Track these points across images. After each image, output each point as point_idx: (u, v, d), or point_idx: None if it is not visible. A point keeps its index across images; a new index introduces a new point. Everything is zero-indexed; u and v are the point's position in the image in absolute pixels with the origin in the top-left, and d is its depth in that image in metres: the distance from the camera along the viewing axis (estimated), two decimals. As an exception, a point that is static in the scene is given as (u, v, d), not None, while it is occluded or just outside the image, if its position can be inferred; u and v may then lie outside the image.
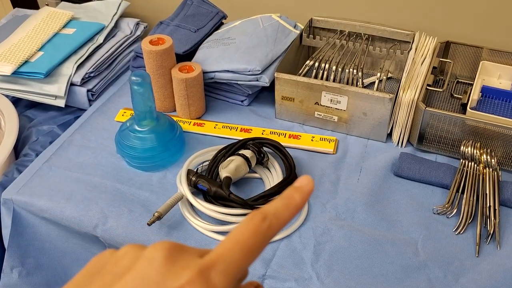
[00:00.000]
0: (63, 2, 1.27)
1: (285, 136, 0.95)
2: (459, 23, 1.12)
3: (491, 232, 0.77)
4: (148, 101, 0.84)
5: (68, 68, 1.03)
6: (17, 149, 0.98)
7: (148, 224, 0.75)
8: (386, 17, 1.16)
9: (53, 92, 1.01)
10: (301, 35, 1.05)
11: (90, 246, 0.84)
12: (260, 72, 0.95)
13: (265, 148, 0.88)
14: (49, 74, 1.02)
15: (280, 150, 0.87)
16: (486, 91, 0.96)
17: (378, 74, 0.95)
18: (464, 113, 0.90)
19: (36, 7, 1.41)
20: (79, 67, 1.04)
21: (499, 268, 0.73)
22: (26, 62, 1.02)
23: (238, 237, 0.28)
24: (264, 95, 1.05)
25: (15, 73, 1.00)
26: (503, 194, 0.81)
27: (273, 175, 0.85)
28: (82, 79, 1.03)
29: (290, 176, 0.83)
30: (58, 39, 1.10)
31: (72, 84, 1.03)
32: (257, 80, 0.96)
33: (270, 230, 0.28)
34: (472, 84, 0.95)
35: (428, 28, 1.10)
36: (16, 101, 1.05)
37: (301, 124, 0.98)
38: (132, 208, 0.81)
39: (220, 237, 0.77)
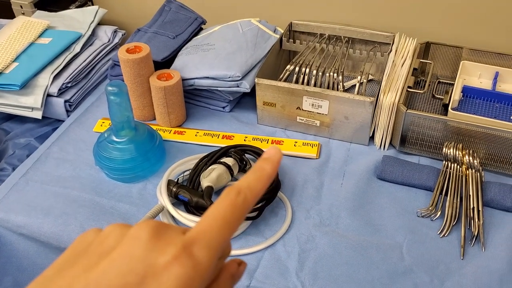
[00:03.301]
0: (38, 11, 1.24)
1: (267, 142, 0.93)
2: (438, 23, 1.12)
3: (476, 234, 0.76)
4: (126, 111, 0.82)
5: (44, 79, 1.01)
6: (-7, 163, 0.96)
7: (128, 237, 0.73)
8: (366, 19, 1.16)
9: (29, 104, 0.99)
10: (281, 39, 1.04)
11: (70, 261, 0.82)
12: (240, 78, 0.93)
13: (247, 155, 0.86)
14: (25, 86, 0.99)
15: (262, 157, 0.86)
16: (467, 91, 0.96)
17: (359, 77, 0.94)
18: (446, 114, 0.90)
19: (11, 16, 1.38)
20: (55, 77, 1.02)
21: (484, 270, 0.72)
22: (0, 73, 1.00)
23: (216, 213, 0.29)
24: (245, 100, 1.04)
25: (-11, 85, 0.98)
26: (487, 194, 0.80)
27: (256, 183, 0.84)
28: (59, 89, 1.01)
29: (273, 183, 0.82)
30: (34, 49, 1.07)
31: (48, 95, 1.01)
32: (238, 86, 0.95)
33: (246, 203, 0.30)
34: (453, 84, 0.95)
35: (408, 29, 1.10)
36: (-9, 114, 1.03)
37: (284, 129, 0.97)
38: (112, 221, 0.80)
39: (203, 248, 0.75)
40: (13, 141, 0.98)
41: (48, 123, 1.03)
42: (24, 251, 0.83)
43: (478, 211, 0.78)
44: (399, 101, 0.87)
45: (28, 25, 1.13)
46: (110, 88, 0.79)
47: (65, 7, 1.29)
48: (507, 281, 0.70)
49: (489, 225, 0.78)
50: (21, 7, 1.32)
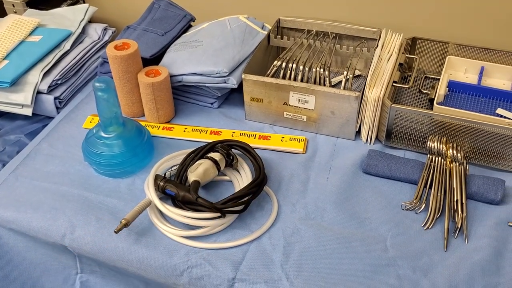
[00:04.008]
0: (29, 9, 1.25)
1: (255, 138, 0.94)
2: (425, 19, 1.13)
3: (459, 226, 0.77)
4: (113, 106, 0.83)
5: (34, 76, 1.02)
6: (-16, 160, 0.97)
7: (115, 231, 0.74)
8: (353, 15, 1.17)
9: (19, 101, 0.99)
10: (268, 35, 1.05)
11: (59, 255, 0.83)
12: (227, 74, 0.94)
13: (234, 150, 0.87)
14: (15, 83, 1.00)
15: (249, 152, 0.87)
16: (453, 86, 0.97)
17: (345, 73, 0.95)
18: (432, 108, 0.91)
19: (2, 14, 1.38)
20: (45, 74, 1.03)
21: (467, 262, 0.73)
22: (-10, 71, 1.01)
23: None
24: (233, 96, 1.05)
25: (-21, 83, 0.98)
26: (470, 187, 0.81)
27: (243, 177, 0.85)
28: (49, 86, 1.02)
29: (259, 177, 0.82)
30: (24, 47, 1.08)
31: (39, 92, 1.01)
32: (225, 82, 0.95)
33: None
34: (439, 79, 0.96)
35: (395, 25, 1.11)
36: (-18, 111, 1.04)
37: (271, 125, 0.98)
38: (100, 216, 0.81)
39: (189, 242, 0.76)
40: (3, 138, 0.99)
41: (38, 120, 1.04)
42: (13, 246, 0.84)
43: (462, 203, 0.79)
44: (384, 95, 0.88)
45: (18, 23, 1.13)
46: (97, 84, 0.80)
47: (57, 5, 1.30)
48: (489, 272, 0.71)
49: (473, 217, 0.79)
50: (13, 5, 1.33)
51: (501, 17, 1.07)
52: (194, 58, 0.97)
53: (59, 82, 1.04)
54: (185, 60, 0.97)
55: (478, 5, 1.07)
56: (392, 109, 0.86)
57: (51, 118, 1.03)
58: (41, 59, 1.05)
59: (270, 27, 1.08)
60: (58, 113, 1.03)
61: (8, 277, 0.86)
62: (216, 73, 0.94)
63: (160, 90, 0.93)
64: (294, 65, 0.96)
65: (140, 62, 0.94)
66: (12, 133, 1.00)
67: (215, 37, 1.02)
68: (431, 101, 0.96)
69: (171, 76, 0.96)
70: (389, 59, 0.96)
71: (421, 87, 1.02)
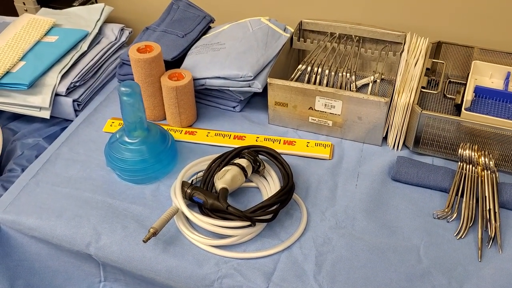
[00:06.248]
0: (43, 8, 1.23)
1: (279, 143, 0.93)
2: (449, 22, 1.11)
3: (492, 236, 0.76)
4: (138, 111, 0.81)
5: (52, 78, 1.00)
6: (1, 164, 0.94)
7: (143, 241, 0.72)
8: (376, 18, 1.15)
9: (37, 103, 0.97)
10: (291, 38, 1.03)
11: (83, 264, 0.81)
12: (252, 78, 0.92)
13: (261, 156, 0.86)
14: (33, 85, 0.98)
15: (276, 158, 0.85)
16: (479, 91, 0.95)
17: (372, 77, 0.93)
18: (459, 114, 0.89)
19: (14, 13, 1.36)
20: (63, 76, 1.01)
21: (503, 273, 0.72)
22: (7, 73, 0.98)
23: None
24: (255, 100, 1.03)
25: (-3, 84, 0.96)
26: (502, 196, 0.80)
27: (270, 184, 0.83)
28: (67, 88, 0.99)
29: (288, 184, 0.81)
30: (41, 48, 1.06)
31: (57, 95, 0.99)
32: (250, 86, 0.94)
33: None
34: (464, 84, 0.95)
35: (418, 28, 1.09)
36: (-2, 114, 1.02)
37: (295, 130, 0.96)
38: (126, 224, 0.79)
39: (219, 251, 0.75)
40: (21, 141, 0.97)
41: (56, 122, 1.02)
42: (35, 253, 0.82)
43: (495, 212, 0.78)
44: (413, 101, 0.86)
45: (33, 23, 1.11)
46: (123, 88, 0.78)
47: (69, 4, 1.27)
48: (525, 284, 0.70)
49: (506, 226, 0.78)
50: (24, 3, 1.30)
51: (527, 22, 1.05)
52: (217, 61, 0.95)
53: (77, 84, 1.01)
54: (208, 63, 0.95)
55: (503, 9, 1.05)
56: (422, 115, 0.85)
57: (69, 121, 1.01)
58: (58, 60, 1.03)
59: (291, 30, 1.06)
60: (76, 116, 1.01)
61: (31, 286, 0.84)
62: (241, 77, 0.92)
63: (183, 94, 0.91)
64: (320, 69, 0.94)
65: (163, 65, 0.92)
66: (30, 136, 0.98)
67: (238, 39, 1.00)
68: (457, 106, 0.95)
69: (194, 79, 0.94)
70: (416, 63, 0.95)
71: (446, 92, 1.00)
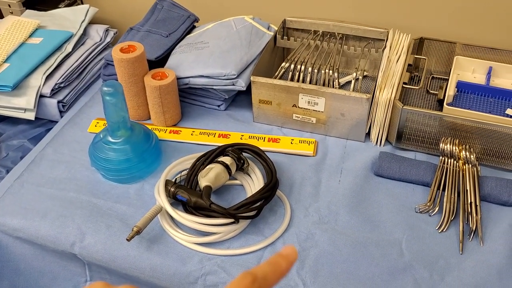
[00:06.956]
0: (28, 10, 1.23)
1: (264, 140, 0.93)
2: (431, 19, 1.12)
3: (474, 229, 0.77)
4: (121, 111, 0.82)
5: (37, 80, 1.00)
6: (-14, 166, 0.94)
7: (127, 239, 0.73)
8: (359, 15, 1.16)
9: (22, 105, 0.97)
10: (275, 36, 1.04)
11: (68, 264, 0.82)
12: (235, 76, 0.93)
13: (244, 154, 0.86)
14: (17, 87, 0.98)
15: (260, 155, 0.86)
16: (462, 86, 0.96)
17: (354, 74, 0.94)
18: (441, 109, 0.90)
19: (-1, 16, 1.36)
20: (48, 77, 1.01)
21: (483, 265, 0.73)
22: (-9, 75, 0.98)
23: None
24: (240, 98, 1.03)
25: (-20, 87, 0.96)
26: (483, 189, 0.81)
27: (254, 181, 0.84)
28: (52, 90, 0.99)
29: (272, 181, 0.81)
30: (25, 49, 1.06)
31: (41, 96, 0.99)
32: (233, 85, 0.94)
33: None
34: (447, 79, 0.95)
35: (401, 25, 1.10)
36: (-18, 116, 1.01)
37: (280, 127, 0.97)
38: (110, 223, 0.79)
39: (203, 249, 0.75)
40: (6, 143, 0.97)
41: (41, 124, 1.02)
42: (20, 254, 0.82)
43: (476, 205, 0.79)
44: (395, 97, 0.87)
45: (18, 25, 1.11)
46: (105, 88, 0.79)
47: (54, 6, 1.27)
48: (506, 275, 0.71)
49: (487, 219, 0.79)
50: (9, 6, 1.30)
51: (509, 17, 1.06)
52: (201, 60, 0.95)
53: (62, 85, 1.02)
54: (192, 63, 0.95)
55: (485, 5, 1.06)
56: (404, 111, 0.85)
57: (54, 122, 1.01)
58: (42, 62, 1.03)
59: (275, 28, 1.06)
60: (61, 117, 1.01)
61: (16, 286, 0.84)
62: (224, 76, 0.92)
63: (167, 93, 0.91)
64: (303, 67, 0.95)
65: (146, 64, 0.92)
66: (14, 138, 0.98)
67: (221, 38, 1.00)
68: (440, 101, 0.96)
69: (178, 78, 0.94)
70: (397, 60, 0.96)
71: (429, 88, 1.01)
